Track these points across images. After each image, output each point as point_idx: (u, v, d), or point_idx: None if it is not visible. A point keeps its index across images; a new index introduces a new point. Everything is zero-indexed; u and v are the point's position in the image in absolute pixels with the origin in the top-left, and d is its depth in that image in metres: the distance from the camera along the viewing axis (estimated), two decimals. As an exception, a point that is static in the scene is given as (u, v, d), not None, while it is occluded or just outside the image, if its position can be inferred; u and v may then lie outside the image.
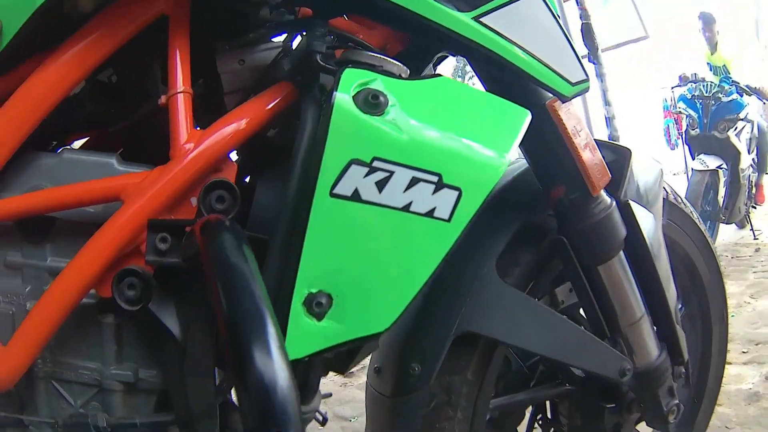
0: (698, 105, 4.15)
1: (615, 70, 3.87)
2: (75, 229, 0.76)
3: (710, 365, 1.33)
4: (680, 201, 1.22)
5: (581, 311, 1.09)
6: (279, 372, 0.45)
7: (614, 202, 0.95)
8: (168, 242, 0.66)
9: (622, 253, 0.96)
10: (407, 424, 0.91)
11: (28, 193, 0.76)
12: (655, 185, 1.08)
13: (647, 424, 1.14)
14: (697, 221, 1.25)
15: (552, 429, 1.19)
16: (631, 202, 0.99)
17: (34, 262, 0.78)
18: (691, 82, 4.27)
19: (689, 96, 4.24)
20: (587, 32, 3.00)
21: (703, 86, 4.16)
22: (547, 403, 1.18)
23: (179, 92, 0.72)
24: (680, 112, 4.22)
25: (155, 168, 0.71)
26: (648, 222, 1.01)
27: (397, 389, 0.91)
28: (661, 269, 1.03)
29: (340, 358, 0.83)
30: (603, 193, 0.94)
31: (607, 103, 3.36)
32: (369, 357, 0.97)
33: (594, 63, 3.12)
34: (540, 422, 1.19)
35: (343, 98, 0.64)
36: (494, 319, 0.90)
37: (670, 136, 4.74)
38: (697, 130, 4.13)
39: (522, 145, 0.91)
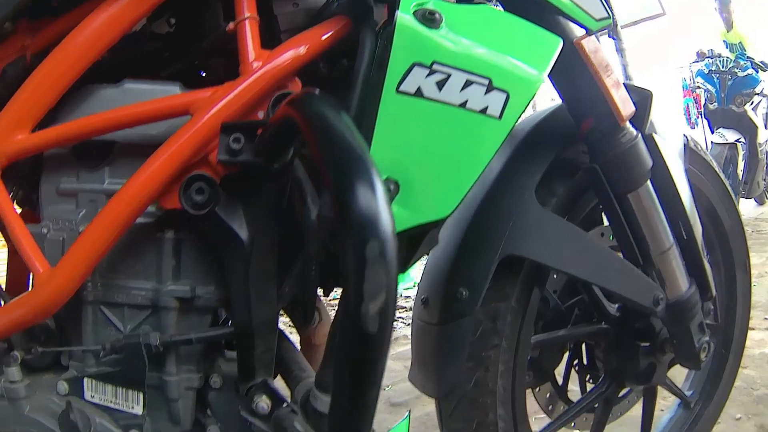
0: (715, 79, 4.30)
1: (633, 49, 3.92)
2: (135, 151, 0.77)
3: (735, 314, 1.34)
4: (700, 149, 1.26)
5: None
6: (382, 211, 0.47)
7: (639, 135, 0.98)
8: (241, 142, 0.68)
9: (649, 183, 1.00)
10: (454, 351, 0.93)
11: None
12: (674, 127, 1.12)
13: (680, 363, 1.15)
14: (717, 170, 1.28)
15: (588, 375, 1.20)
16: (654, 135, 1.02)
17: (91, 186, 0.79)
18: (708, 57, 4.42)
19: (706, 71, 4.40)
20: (606, 9, 3.10)
21: (720, 61, 4.32)
22: (583, 349, 1.19)
23: (246, 18, 0.75)
24: (698, 87, 4.34)
25: (224, 84, 0.73)
26: (671, 157, 1.05)
27: (444, 316, 0.92)
28: (685, 202, 1.06)
29: (400, 257, 0.84)
30: (629, 125, 0.97)
31: (627, 77, 3.44)
32: (416, 292, 0.99)
33: (614, 38, 3.21)
34: (576, 368, 1.20)
35: (403, 15, 0.68)
36: (536, 243, 0.92)
37: (689, 114, 4.85)
38: (716, 104, 4.27)
39: (554, 80, 0.96)
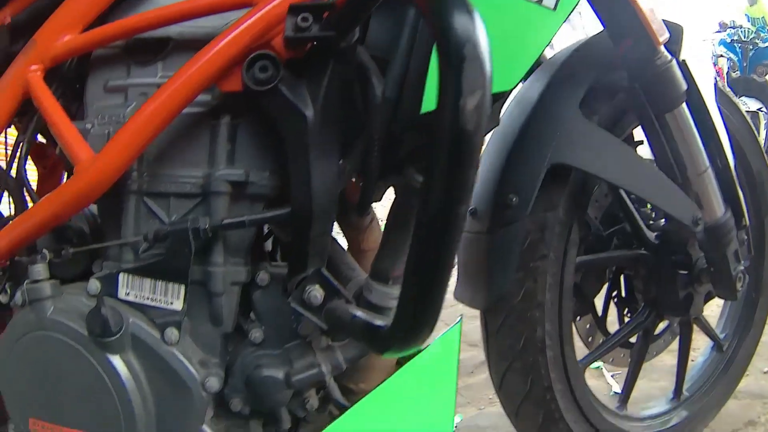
0: (737, 48, 4.45)
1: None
2: (191, 45, 0.76)
3: (764, 260, 1.35)
4: (728, 90, 1.28)
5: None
6: (476, 18, 0.49)
7: (674, 60, 1.01)
8: (309, 21, 0.69)
9: (685, 106, 1.02)
10: (504, 259, 0.93)
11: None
12: (705, 64, 1.15)
13: (717, 294, 1.16)
14: (744, 114, 1.30)
15: (626, 309, 1.21)
16: (687, 62, 1.05)
17: (142, 80, 0.77)
18: (730, 27, 4.56)
19: (729, 40, 4.57)
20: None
21: (741, 32, 4.46)
22: (622, 282, 1.20)
23: None
24: (721, 56, 4.48)
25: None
26: (704, 86, 1.07)
27: (494, 223, 0.93)
28: (719, 130, 1.08)
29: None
30: (663, 49, 1.00)
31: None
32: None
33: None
34: (615, 300, 1.21)
35: None
36: (582, 152, 0.93)
37: (714, 86, 5.03)
38: (738, 72, 4.39)
39: (595, 6, 0.99)
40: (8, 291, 0.82)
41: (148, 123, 0.70)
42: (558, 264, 0.97)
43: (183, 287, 0.73)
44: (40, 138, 0.93)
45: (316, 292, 0.73)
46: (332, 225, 0.74)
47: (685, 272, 1.12)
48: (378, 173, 0.76)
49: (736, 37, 4.56)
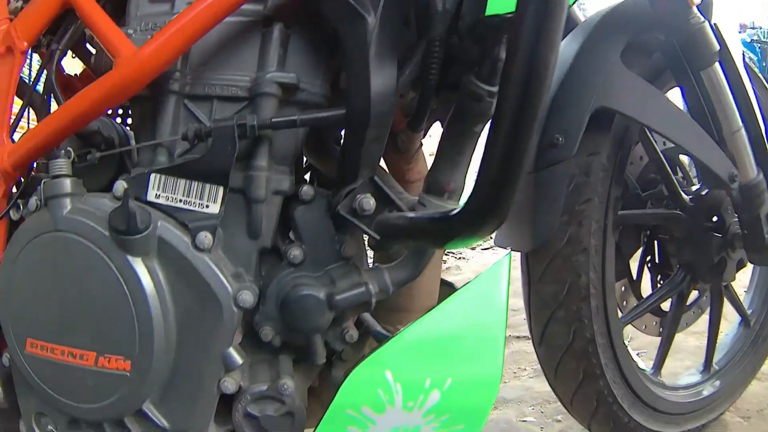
0: (757, 49, 4.53)
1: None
2: None
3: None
4: (755, 65, 1.27)
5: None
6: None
7: (707, 21, 1.00)
8: None
9: (718, 65, 1.01)
10: (550, 199, 0.88)
11: None
12: (734, 30, 1.14)
13: (750, 260, 1.12)
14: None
15: (659, 275, 1.16)
16: (719, 25, 1.04)
17: None
18: (749, 28, 4.67)
19: (748, 40, 4.65)
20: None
21: (761, 32, 4.56)
22: (656, 247, 1.16)
23: None
24: None
25: None
26: (735, 46, 1.06)
27: (540, 162, 0.88)
28: (750, 93, 1.07)
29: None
30: (696, 10, 0.99)
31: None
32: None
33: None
34: (649, 265, 1.16)
35: None
36: (625, 98, 0.90)
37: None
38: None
39: None
40: (21, 207, 0.74)
41: (194, 21, 0.66)
42: (602, 210, 0.93)
43: (222, 189, 0.67)
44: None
45: (369, 199, 0.68)
46: (387, 131, 0.69)
47: (719, 235, 1.08)
48: (435, 85, 0.71)
49: (755, 37, 4.69)
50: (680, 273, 1.11)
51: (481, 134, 0.72)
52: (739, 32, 4.92)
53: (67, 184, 0.67)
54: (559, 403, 1.24)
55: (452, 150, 0.72)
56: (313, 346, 0.72)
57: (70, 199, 0.67)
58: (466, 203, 0.57)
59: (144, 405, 0.68)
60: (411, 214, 0.67)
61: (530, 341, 1.53)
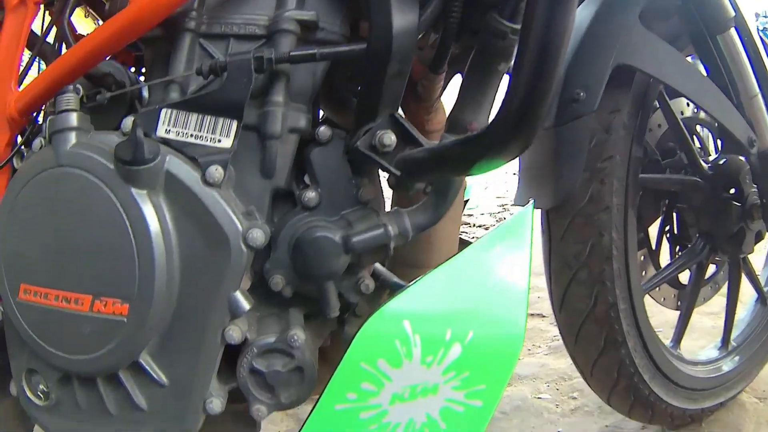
0: None
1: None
2: None
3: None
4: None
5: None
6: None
7: None
8: None
9: (734, 30, 0.96)
10: (573, 153, 0.83)
11: None
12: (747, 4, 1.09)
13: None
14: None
15: (678, 246, 1.11)
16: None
17: None
18: (763, 17, 4.67)
19: (761, 27, 4.61)
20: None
21: None
22: (675, 217, 1.10)
23: None
24: None
25: None
26: (749, 16, 1.02)
27: (562, 116, 0.83)
28: (765, 61, 1.03)
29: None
30: None
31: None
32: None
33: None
34: (668, 235, 1.11)
35: None
36: (646, 57, 0.86)
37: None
38: None
39: None
40: (26, 155, 0.69)
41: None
42: (624, 168, 0.87)
43: (235, 123, 0.61)
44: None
45: (389, 134, 0.62)
46: (408, 68, 0.63)
47: (738, 204, 1.03)
48: (457, 24, 0.66)
49: (768, 26, 4.69)
50: (699, 243, 1.06)
51: (504, 75, 0.67)
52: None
53: (74, 117, 0.62)
54: (575, 381, 1.18)
55: (475, 89, 0.66)
56: (327, 295, 0.65)
57: (76, 133, 0.61)
58: (492, 121, 0.52)
59: (141, 356, 0.61)
60: (432, 145, 0.61)
61: (545, 319, 1.49)
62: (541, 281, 1.37)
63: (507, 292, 0.67)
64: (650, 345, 0.94)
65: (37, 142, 0.65)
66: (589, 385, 0.96)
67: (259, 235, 0.60)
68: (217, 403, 0.63)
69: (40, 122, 0.73)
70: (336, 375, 0.64)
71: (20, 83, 0.74)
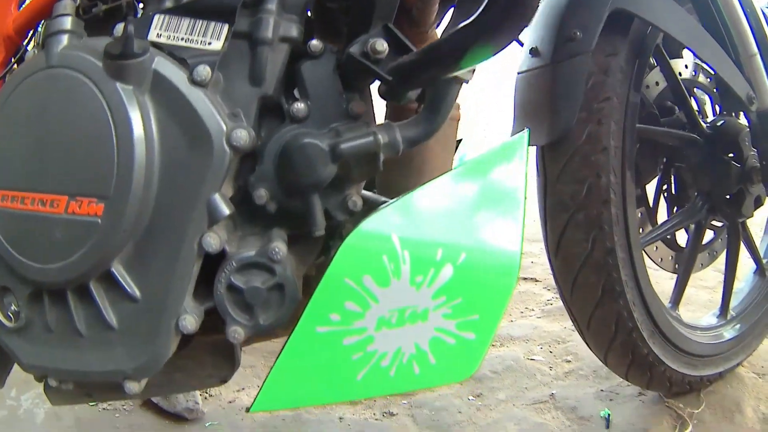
0: None
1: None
2: None
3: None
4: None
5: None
6: None
7: None
8: None
9: None
10: (569, 89, 0.78)
11: None
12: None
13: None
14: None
15: (676, 207, 1.05)
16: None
17: None
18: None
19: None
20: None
21: None
22: (672, 177, 1.05)
23: None
24: None
25: None
26: None
27: (559, 54, 0.78)
28: (763, 24, 0.99)
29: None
30: None
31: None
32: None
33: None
34: (666, 195, 1.05)
35: None
36: (644, 4, 0.81)
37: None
38: None
39: None
40: None
41: None
42: (621, 112, 0.83)
43: (227, 26, 0.58)
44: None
45: (381, 41, 0.57)
46: None
47: (738, 165, 0.98)
48: None
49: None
50: (698, 201, 1.00)
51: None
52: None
53: (67, 21, 0.59)
54: (569, 344, 1.12)
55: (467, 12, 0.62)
56: (312, 210, 0.60)
57: (68, 36, 0.58)
58: (483, 7, 0.47)
59: (114, 266, 0.56)
60: (424, 47, 0.56)
61: (538, 284, 1.42)
62: (534, 247, 1.31)
63: (501, 217, 0.61)
64: (649, 301, 0.88)
65: (30, 51, 0.62)
66: (585, 340, 0.90)
67: (243, 135, 0.55)
68: (190, 321, 0.57)
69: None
70: (318, 291, 0.58)
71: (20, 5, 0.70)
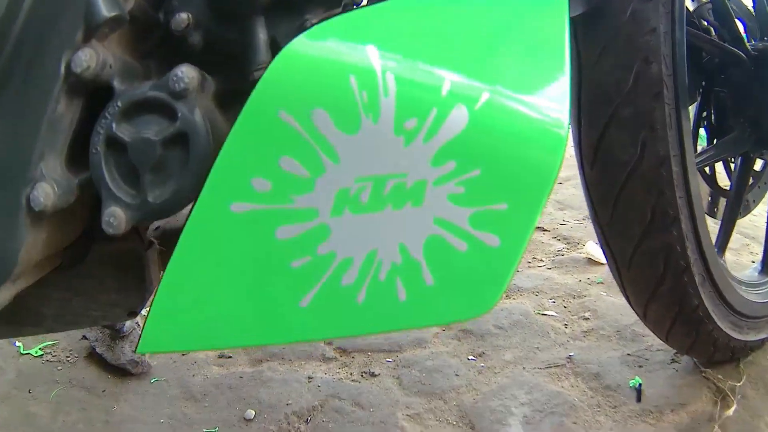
0: None
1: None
2: None
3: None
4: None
5: None
6: None
7: None
8: None
9: None
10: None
11: None
12: None
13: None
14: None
15: (715, 139, 0.78)
16: None
17: None
18: None
19: None
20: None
21: None
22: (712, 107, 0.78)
23: None
24: None
25: None
26: None
27: None
28: None
29: None
30: None
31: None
32: None
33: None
34: (705, 124, 0.77)
35: None
36: None
37: None
38: None
39: None
40: None
41: None
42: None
43: None
44: None
45: None
46: None
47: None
48: None
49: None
50: (746, 128, 0.72)
51: None
52: None
53: None
54: (586, 299, 0.83)
55: None
56: (253, 39, 0.33)
57: None
58: None
59: None
60: None
61: (546, 233, 1.10)
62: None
63: (541, 56, 0.33)
64: (703, 236, 0.60)
65: None
66: (621, 285, 0.62)
67: None
68: (45, 192, 0.31)
69: None
70: (232, 135, 0.29)
71: None
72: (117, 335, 0.79)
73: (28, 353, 0.82)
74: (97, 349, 0.80)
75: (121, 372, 0.77)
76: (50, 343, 0.83)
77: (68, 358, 0.84)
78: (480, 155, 0.32)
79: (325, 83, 0.29)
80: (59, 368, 0.81)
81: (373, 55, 0.30)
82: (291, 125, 0.29)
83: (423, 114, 0.31)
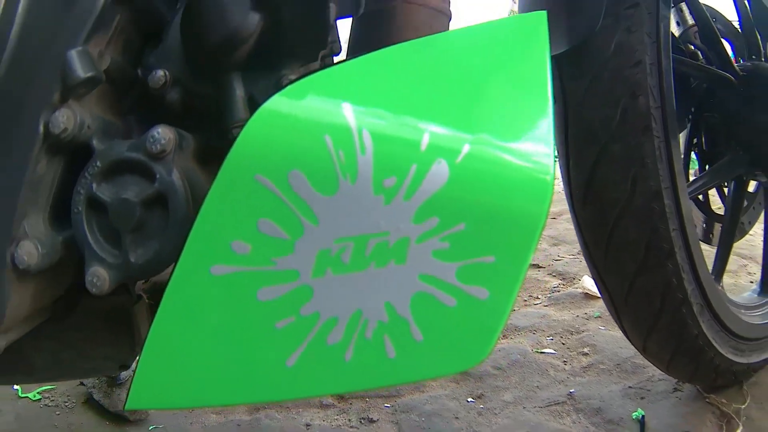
0: None
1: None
2: None
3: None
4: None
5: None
6: None
7: None
8: None
9: None
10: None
11: None
12: None
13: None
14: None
15: (707, 164, 0.76)
16: None
17: None
18: None
19: None
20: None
21: None
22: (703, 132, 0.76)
23: None
24: None
25: None
26: None
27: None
28: None
29: None
30: None
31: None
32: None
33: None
34: (696, 150, 0.76)
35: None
36: None
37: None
38: None
39: None
40: None
41: None
42: (653, 23, 0.54)
43: None
44: None
45: None
46: None
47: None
48: None
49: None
50: (738, 151, 0.71)
51: None
52: None
53: None
54: (584, 335, 0.80)
55: None
56: (231, 98, 0.32)
57: None
58: None
59: None
60: None
61: (541, 270, 1.08)
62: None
63: (523, 99, 0.32)
64: (699, 266, 0.58)
65: None
66: (619, 321, 0.59)
67: None
68: (28, 250, 0.29)
69: None
70: (209, 198, 0.28)
71: None
72: (114, 383, 0.77)
73: (27, 397, 0.80)
74: (95, 396, 0.78)
75: (119, 418, 0.74)
76: (49, 387, 0.80)
77: (66, 403, 0.81)
78: (463, 210, 0.30)
79: (300, 144, 0.28)
80: (57, 413, 0.78)
81: (348, 113, 0.28)
82: (268, 188, 0.28)
83: (402, 171, 0.29)
